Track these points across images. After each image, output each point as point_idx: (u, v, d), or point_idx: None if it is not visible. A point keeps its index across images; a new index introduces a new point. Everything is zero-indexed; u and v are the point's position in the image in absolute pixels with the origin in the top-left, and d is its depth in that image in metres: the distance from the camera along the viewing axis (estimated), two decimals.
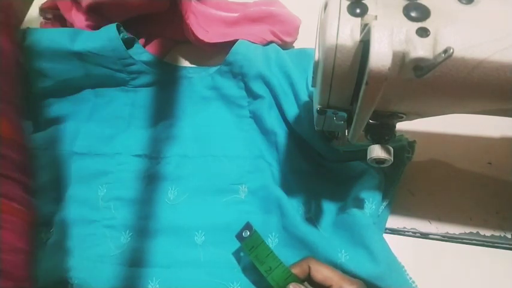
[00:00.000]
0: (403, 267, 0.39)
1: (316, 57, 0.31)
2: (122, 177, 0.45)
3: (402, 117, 0.32)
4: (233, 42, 0.49)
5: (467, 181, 0.43)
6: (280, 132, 0.45)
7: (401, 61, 0.26)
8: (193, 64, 0.53)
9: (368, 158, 0.31)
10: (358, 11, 0.27)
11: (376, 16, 0.26)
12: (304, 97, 0.45)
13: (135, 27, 0.51)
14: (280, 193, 0.42)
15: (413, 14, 0.27)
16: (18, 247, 0.32)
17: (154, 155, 0.46)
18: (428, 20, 0.27)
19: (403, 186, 0.43)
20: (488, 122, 0.38)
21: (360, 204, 0.40)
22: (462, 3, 0.28)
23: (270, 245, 0.39)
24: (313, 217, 0.42)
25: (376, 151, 0.31)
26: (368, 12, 0.27)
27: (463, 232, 0.41)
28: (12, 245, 0.31)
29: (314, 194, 0.43)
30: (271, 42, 0.50)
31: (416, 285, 0.38)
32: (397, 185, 0.43)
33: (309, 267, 0.35)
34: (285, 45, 0.52)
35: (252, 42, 0.49)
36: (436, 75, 0.27)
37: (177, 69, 0.52)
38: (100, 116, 0.50)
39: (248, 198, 0.44)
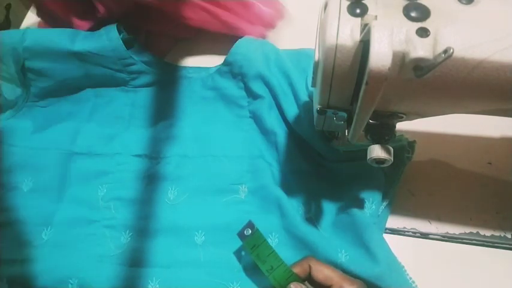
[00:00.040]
0: (403, 267, 0.39)
1: (316, 57, 0.31)
2: (122, 177, 0.45)
3: (402, 117, 0.32)
4: (233, 42, 0.49)
5: (467, 181, 0.43)
6: (280, 132, 0.45)
7: (401, 61, 0.26)
8: (193, 64, 0.53)
9: (368, 158, 0.31)
10: (358, 11, 0.27)
11: (376, 16, 0.26)
12: (304, 97, 0.45)
13: (136, 24, 0.51)
14: (280, 193, 0.42)
15: (413, 14, 0.27)
16: None
17: (154, 155, 0.46)
18: (428, 20, 0.27)
19: (403, 186, 0.43)
20: (488, 122, 0.38)
21: (360, 204, 0.40)
22: (462, 3, 0.28)
23: None
24: (313, 217, 0.42)
25: (376, 151, 0.31)
26: (368, 12, 0.27)
27: (463, 232, 0.41)
28: None
29: (314, 194, 0.43)
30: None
31: (416, 285, 0.38)
32: (397, 185, 0.43)
33: (310, 267, 0.35)
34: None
35: (253, 41, 0.49)
36: (436, 75, 0.27)
37: (177, 69, 0.52)
38: (100, 116, 0.50)
39: (248, 198, 0.44)
